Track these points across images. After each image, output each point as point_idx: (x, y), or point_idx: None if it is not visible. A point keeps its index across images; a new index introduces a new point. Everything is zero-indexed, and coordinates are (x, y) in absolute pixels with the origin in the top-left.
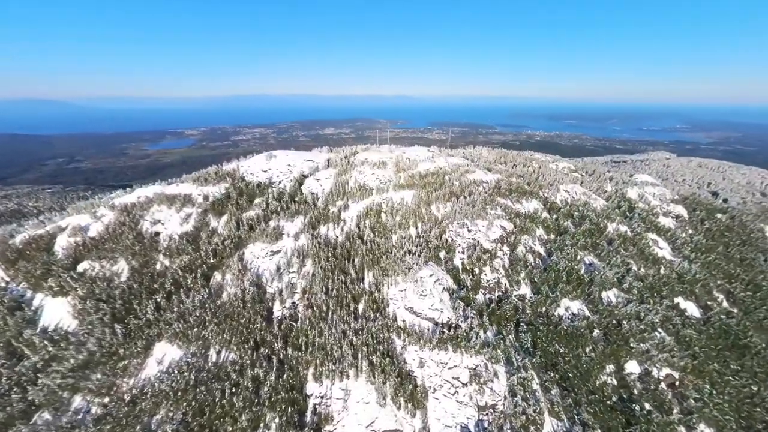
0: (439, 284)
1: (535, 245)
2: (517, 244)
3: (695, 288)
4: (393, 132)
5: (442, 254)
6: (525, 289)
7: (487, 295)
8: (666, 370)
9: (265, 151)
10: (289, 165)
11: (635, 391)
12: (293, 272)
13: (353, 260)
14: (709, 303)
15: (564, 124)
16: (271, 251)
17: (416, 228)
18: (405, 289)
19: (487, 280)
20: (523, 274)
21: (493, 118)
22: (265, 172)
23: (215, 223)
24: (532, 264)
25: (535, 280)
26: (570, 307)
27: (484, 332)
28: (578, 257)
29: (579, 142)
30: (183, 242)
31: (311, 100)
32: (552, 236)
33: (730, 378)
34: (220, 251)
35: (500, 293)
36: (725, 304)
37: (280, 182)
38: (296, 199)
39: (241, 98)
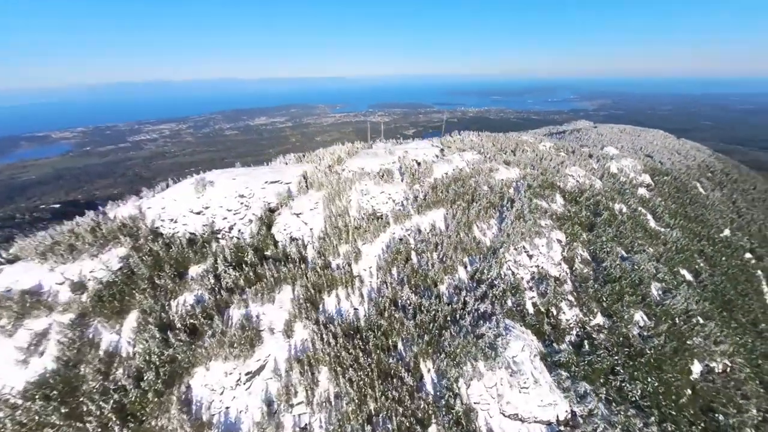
0: (535, 356)
1: (583, 253)
2: (574, 259)
3: (686, 254)
4: (334, 117)
5: (509, 300)
6: (598, 316)
7: (567, 338)
8: (725, 361)
9: (188, 164)
10: (242, 195)
11: (709, 396)
12: (300, 404)
13: (396, 348)
14: (696, 267)
15: (490, 99)
16: (247, 373)
17: (465, 267)
18: (496, 384)
19: (567, 320)
20: (591, 297)
21: (430, 97)
22: (198, 214)
23: (111, 336)
24: (590, 277)
25: (602, 299)
26: (638, 321)
27: (598, 402)
28: (616, 254)
29: (504, 116)
30: (35, 406)
31: (230, 86)
32: (585, 235)
33: (737, 339)
34: (135, 402)
35: (578, 331)
36: (702, 264)
37: (230, 228)
38: (268, 253)
39: (133, 86)
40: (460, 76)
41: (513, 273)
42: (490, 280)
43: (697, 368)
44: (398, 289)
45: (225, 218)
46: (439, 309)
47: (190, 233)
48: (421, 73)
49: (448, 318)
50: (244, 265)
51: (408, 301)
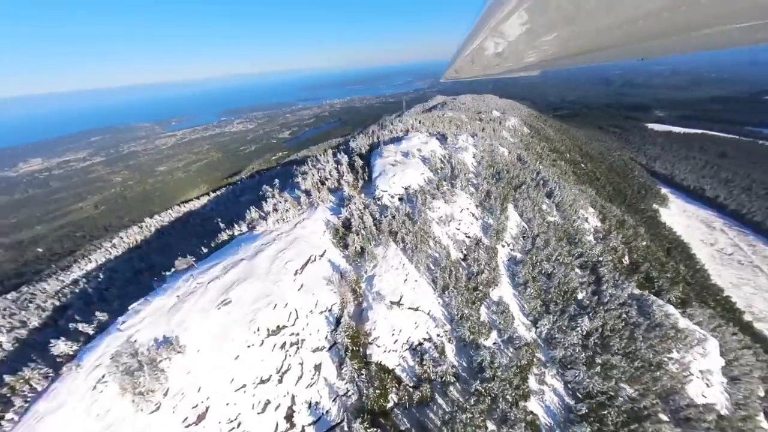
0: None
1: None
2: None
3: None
4: (174, 136)
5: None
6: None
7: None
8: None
9: None
10: (274, 330)
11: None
12: None
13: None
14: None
15: (349, 89)
16: None
17: (578, 266)
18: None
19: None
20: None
21: (291, 94)
22: None
23: None
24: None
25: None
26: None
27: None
28: None
29: (368, 103)
30: None
31: None
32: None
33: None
34: None
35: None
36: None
37: (290, 418)
38: (390, 406)
39: None
40: (313, 69)
41: (592, 242)
42: (604, 262)
43: None
44: (569, 329)
45: (264, 406)
46: (612, 321)
47: None
48: (272, 70)
49: (627, 323)
50: None
51: (580, 329)
